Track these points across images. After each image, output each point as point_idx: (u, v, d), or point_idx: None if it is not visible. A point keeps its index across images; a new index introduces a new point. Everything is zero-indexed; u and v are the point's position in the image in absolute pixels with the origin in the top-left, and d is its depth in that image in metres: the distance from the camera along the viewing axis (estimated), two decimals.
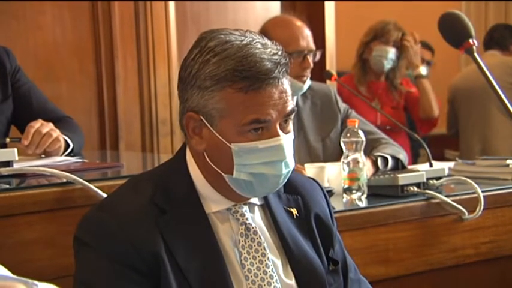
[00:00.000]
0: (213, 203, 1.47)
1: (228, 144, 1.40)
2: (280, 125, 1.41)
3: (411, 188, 2.25)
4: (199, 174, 1.47)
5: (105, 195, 1.85)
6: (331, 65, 3.77)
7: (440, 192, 2.30)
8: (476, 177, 2.45)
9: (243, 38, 1.41)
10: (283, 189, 1.54)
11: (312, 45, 2.67)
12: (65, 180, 1.86)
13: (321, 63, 3.50)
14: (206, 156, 1.44)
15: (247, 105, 1.37)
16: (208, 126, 1.41)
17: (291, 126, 1.44)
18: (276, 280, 1.46)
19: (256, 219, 1.50)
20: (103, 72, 3.20)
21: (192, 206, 1.45)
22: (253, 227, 1.47)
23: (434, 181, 2.33)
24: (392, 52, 3.83)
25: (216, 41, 1.40)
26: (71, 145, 2.24)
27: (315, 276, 1.50)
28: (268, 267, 1.46)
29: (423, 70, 4.17)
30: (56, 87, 2.97)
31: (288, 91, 1.42)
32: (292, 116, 1.44)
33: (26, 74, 2.48)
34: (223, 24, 3.49)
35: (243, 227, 1.47)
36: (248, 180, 1.42)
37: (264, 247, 1.47)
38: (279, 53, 1.40)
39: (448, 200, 2.27)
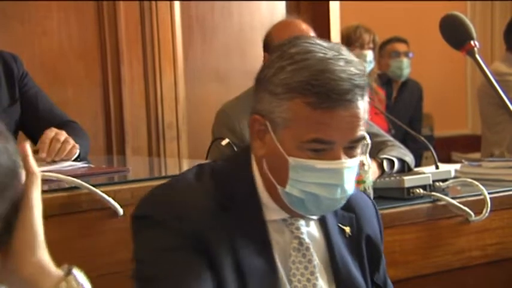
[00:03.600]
0: (270, 211, 1.42)
1: (286, 156, 1.35)
2: (345, 148, 1.35)
3: (417, 190, 2.25)
4: (259, 178, 1.42)
5: (110, 199, 1.87)
6: None
7: (446, 194, 2.29)
8: (482, 179, 2.45)
9: (327, 51, 1.34)
10: None
11: None
12: (72, 185, 1.87)
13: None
14: (264, 163, 1.40)
15: (313, 122, 1.31)
16: (271, 132, 1.36)
17: (358, 151, 1.38)
18: None
19: (310, 233, 1.45)
20: (109, 77, 3.22)
21: (252, 209, 1.40)
22: (306, 243, 1.42)
23: (440, 183, 2.32)
24: (370, 55, 3.95)
25: (298, 48, 1.35)
26: (78, 150, 2.26)
27: None
28: (315, 287, 1.41)
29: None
30: (62, 92, 2.98)
31: (361, 116, 1.34)
32: (360, 143, 1.37)
33: (33, 79, 2.50)
34: (228, 27, 3.50)
35: (297, 241, 1.42)
36: (300, 197, 1.36)
37: (314, 265, 1.42)
38: (361, 73, 1.33)
39: (454, 202, 2.26)
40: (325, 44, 1.36)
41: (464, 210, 2.27)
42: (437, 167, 2.44)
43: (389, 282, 1.57)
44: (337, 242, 1.47)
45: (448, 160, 3.69)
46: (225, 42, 3.51)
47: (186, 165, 2.93)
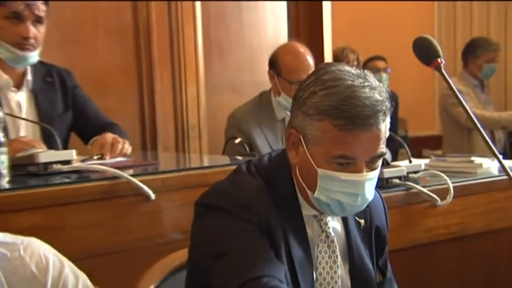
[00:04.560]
0: (304, 207, 1.36)
1: (316, 168, 1.28)
2: (366, 162, 1.28)
3: (394, 180, 2.23)
4: (295, 180, 1.36)
5: (145, 187, 1.86)
6: None
7: (417, 183, 2.27)
8: (447, 171, 2.42)
9: (355, 78, 1.26)
10: None
11: None
12: (114, 175, 1.86)
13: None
14: (297, 170, 1.34)
15: (338, 140, 1.24)
16: (304, 146, 1.29)
17: (378, 163, 1.31)
18: (339, 286, 1.37)
19: (334, 228, 1.40)
20: (144, 88, 3.21)
21: (294, 206, 1.35)
22: (332, 236, 1.37)
23: (413, 174, 2.31)
24: None
25: (330, 75, 1.27)
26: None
27: (368, 283, 1.42)
28: (336, 274, 1.37)
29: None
30: (106, 100, 2.97)
31: (382, 136, 1.27)
32: (380, 160, 1.30)
33: (83, 90, 2.50)
34: (241, 47, 3.50)
35: (324, 234, 1.37)
36: (326, 202, 1.31)
37: (336, 255, 1.37)
38: (384, 99, 1.25)
39: (424, 189, 2.25)
40: (353, 71, 1.28)
41: (432, 197, 2.25)
42: (410, 161, 2.42)
43: (389, 265, 1.52)
44: (355, 234, 1.41)
45: (419, 156, 3.64)
46: (238, 60, 3.50)
47: (206, 160, 2.92)
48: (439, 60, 1.35)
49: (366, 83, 1.26)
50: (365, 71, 1.30)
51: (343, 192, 1.28)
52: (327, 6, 3.68)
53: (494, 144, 1.29)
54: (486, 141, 1.35)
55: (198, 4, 3.28)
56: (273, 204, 1.30)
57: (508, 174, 1.33)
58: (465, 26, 5.50)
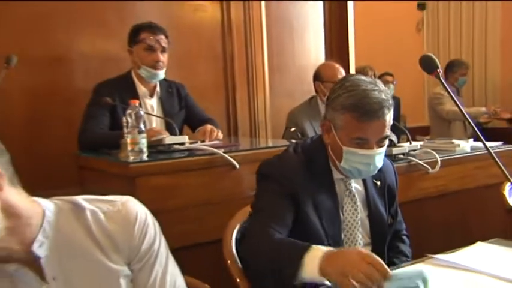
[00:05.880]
0: (334, 173, 1.33)
1: (341, 146, 1.26)
2: (376, 142, 1.24)
3: (400, 156, 2.13)
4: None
5: (232, 159, 1.83)
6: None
7: (415, 158, 2.16)
8: (436, 149, 2.30)
9: (367, 84, 1.24)
10: None
11: None
12: (212, 152, 1.84)
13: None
14: (329, 147, 1.31)
15: (356, 127, 1.23)
16: (333, 131, 1.27)
17: (385, 142, 1.27)
18: (360, 225, 1.34)
19: (356, 187, 1.36)
20: (229, 96, 3.19)
21: (327, 173, 1.32)
22: (353, 192, 1.34)
23: (412, 151, 2.20)
24: None
25: (350, 83, 1.25)
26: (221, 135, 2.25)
27: (382, 226, 1.38)
28: (357, 217, 1.34)
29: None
30: (206, 104, 2.94)
31: (387, 123, 1.23)
32: (386, 140, 1.26)
33: (191, 96, 2.50)
34: (293, 66, 3.42)
35: (348, 191, 1.34)
36: (349, 169, 1.28)
37: (357, 205, 1.34)
38: (388, 98, 1.22)
39: (420, 162, 2.14)
40: (367, 79, 1.25)
41: (426, 167, 2.14)
42: (410, 143, 2.30)
43: (398, 211, 1.47)
44: (372, 191, 1.37)
45: (415, 140, 3.50)
46: (291, 75, 3.43)
47: (270, 142, 2.86)
48: (438, 70, 1.25)
49: (375, 87, 1.23)
50: (376, 79, 1.27)
51: (360, 162, 1.26)
52: (351, 34, 3.54)
53: (468, 129, 1.18)
54: (471, 126, 1.26)
55: (265, 39, 3.23)
56: (308, 174, 1.27)
57: (486, 148, 1.22)
58: (445, 51, 5.26)
